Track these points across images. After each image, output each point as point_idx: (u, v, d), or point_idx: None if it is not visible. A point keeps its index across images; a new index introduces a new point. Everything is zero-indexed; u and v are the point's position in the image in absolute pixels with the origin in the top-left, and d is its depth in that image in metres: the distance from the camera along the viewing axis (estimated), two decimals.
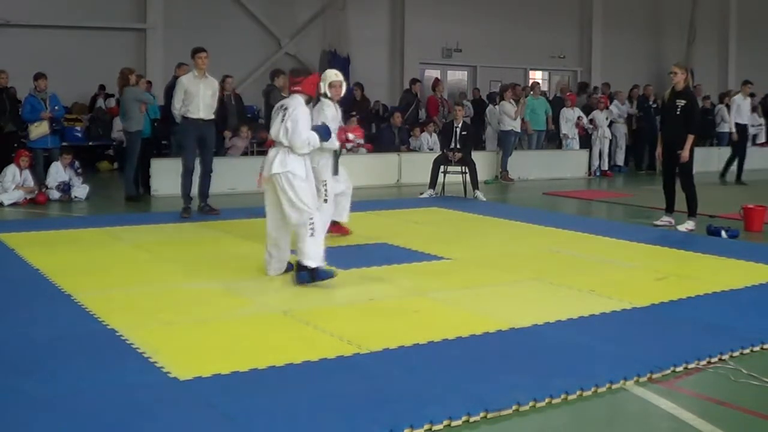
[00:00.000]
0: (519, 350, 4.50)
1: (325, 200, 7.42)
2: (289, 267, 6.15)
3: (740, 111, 14.61)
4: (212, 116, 9.46)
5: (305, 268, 5.82)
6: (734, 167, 14.84)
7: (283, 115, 5.93)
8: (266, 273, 6.23)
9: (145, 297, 5.58)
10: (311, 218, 5.85)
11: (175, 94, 9.38)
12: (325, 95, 7.46)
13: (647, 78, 20.11)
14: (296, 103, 5.97)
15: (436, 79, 18.06)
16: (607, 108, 15.93)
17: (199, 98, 9.17)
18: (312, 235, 5.82)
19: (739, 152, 14.80)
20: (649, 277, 6.46)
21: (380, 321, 5.10)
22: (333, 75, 7.64)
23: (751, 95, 19.55)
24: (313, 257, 5.83)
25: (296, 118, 5.85)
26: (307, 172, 5.99)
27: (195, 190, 9.59)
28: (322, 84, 7.41)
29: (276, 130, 5.95)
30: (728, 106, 15.31)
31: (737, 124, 14.52)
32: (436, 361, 4.24)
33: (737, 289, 5.99)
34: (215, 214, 9.42)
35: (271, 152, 6.02)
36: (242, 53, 16.85)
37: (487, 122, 15.92)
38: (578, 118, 15.60)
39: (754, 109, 19.00)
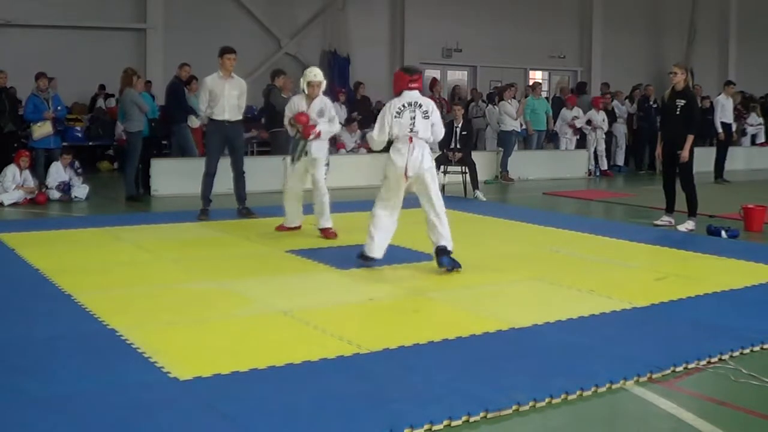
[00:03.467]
0: (519, 350, 4.50)
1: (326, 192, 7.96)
2: None
3: (724, 111, 14.65)
4: (239, 117, 9.30)
5: (449, 253, 6.22)
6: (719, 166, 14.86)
7: (424, 112, 6.30)
8: (374, 256, 6.46)
9: (145, 297, 5.59)
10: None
11: (200, 96, 9.27)
12: (303, 91, 7.98)
13: (647, 78, 20.11)
14: (431, 102, 6.45)
15: (434, 79, 18.06)
16: (606, 109, 15.89)
17: (224, 99, 9.01)
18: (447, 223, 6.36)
19: (724, 150, 14.84)
20: (649, 277, 6.46)
21: (380, 321, 5.10)
22: (312, 75, 7.99)
23: (747, 95, 19.58)
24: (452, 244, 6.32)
25: (438, 117, 6.43)
26: None
27: (209, 191, 9.38)
28: (301, 80, 8.01)
29: (424, 127, 6.30)
30: (712, 106, 15.38)
31: (722, 124, 14.54)
32: (436, 361, 4.24)
33: (737, 289, 5.99)
34: (253, 217, 9.29)
35: (414, 149, 6.24)
36: (242, 53, 16.73)
37: (487, 122, 15.93)
38: (573, 117, 15.59)
39: (753, 109, 19.04)
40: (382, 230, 6.46)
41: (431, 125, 6.33)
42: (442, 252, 6.27)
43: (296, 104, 8.00)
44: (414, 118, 6.25)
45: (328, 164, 8.09)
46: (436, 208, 6.33)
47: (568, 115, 15.61)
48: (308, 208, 8.15)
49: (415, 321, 5.08)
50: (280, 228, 8.24)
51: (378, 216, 6.47)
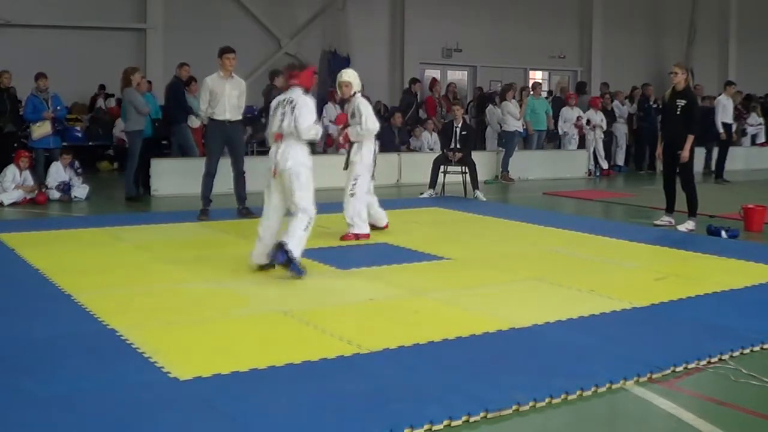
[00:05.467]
0: (519, 350, 4.50)
1: (352, 194, 7.81)
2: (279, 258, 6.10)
3: (726, 111, 14.64)
4: (239, 117, 9.31)
5: (287, 252, 5.92)
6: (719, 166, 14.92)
7: (292, 108, 6.12)
8: (251, 261, 6.35)
9: (145, 297, 5.59)
10: (312, 214, 6.09)
11: (201, 96, 9.30)
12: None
13: (647, 78, 20.09)
14: (303, 98, 6.21)
15: (434, 79, 18.07)
16: (604, 109, 15.88)
17: (224, 99, 9.02)
18: (306, 228, 6.06)
19: (725, 150, 14.88)
20: (649, 277, 6.46)
21: (380, 321, 5.09)
22: (338, 76, 8.07)
23: (747, 96, 19.58)
24: (299, 247, 6.01)
25: (302, 105, 6.12)
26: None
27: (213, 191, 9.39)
28: (336, 86, 8.10)
29: (288, 123, 6.11)
30: (713, 107, 15.37)
31: (723, 124, 14.55)
32: (436, 361, 4.24)
33: (737, 289, 5.99)
34: (252, 217, 9.29)
35: (281, 146, 6.13)
36: (242, 53, 16.70)
37: (487, 122, 15.92)
38: (577, 117, 15.60)
39: (753, 109, 19.03)
40: (259, 239, 6.28)
41: (295, 118, 6.08)
42: (279, 247, 5.94)
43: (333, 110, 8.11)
44: (284, 114, 6.15)
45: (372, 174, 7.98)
46: (296, 206, 6.06)
47: (571, 114, 15.60)
48: (337, 207, 8.12)
49: (415, 321, 5.08)
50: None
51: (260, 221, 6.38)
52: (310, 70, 6.53)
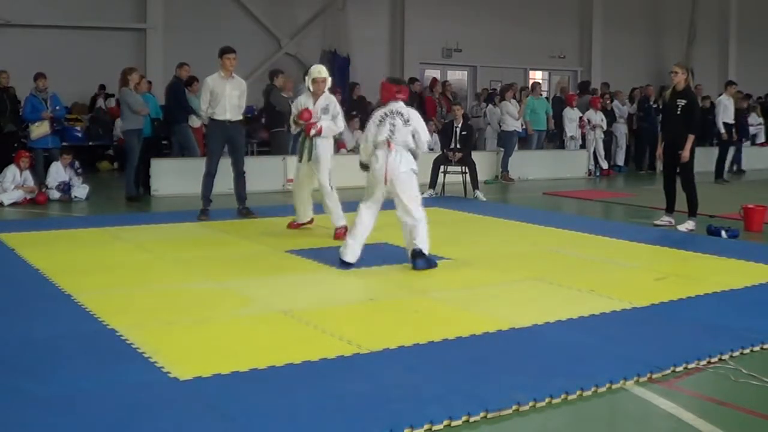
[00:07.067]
0: (519, 350, 4.50)
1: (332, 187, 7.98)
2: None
3: (726, 111, 14.64)
4: (240, 117, 9.34)
5: (424, 255, 6.42)
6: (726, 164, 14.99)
7: (405, 121, 6.52)
8: (346, 258, 6.51)
9: (145, 297, 5.59)
10: (425, 213, 6.54)
11: (201, 96, 9.33)
12: (308, 89, 8.10)
13: (647, 78, 20.11)
14: (413, 111, 6.70)
15: (434, 79, 18.05)
16: (604, 109, 15.88)
17: (225, 99, 9.03)
18: (426, 228, 6.49)
19: (725, 150, 14.86)
20: (649, 277, 6.45)
21: (380, 321, 5.10)
22: (316, 72, 8.11)
23: (747, 96, 19.58)
24: (427, 247, 6.50)
25: (417, 119, 6.64)
26: None
27: (214, 191, 9.40)
28: (306, 78, 8.13)
29: (404, 134, 6.48)
30: (713, 106, 15.36)
31: (725, 124, 14.54)
32: (436, 361, 4.24)
33: (737, 289, 5.99)
34: (252, 217, 9.32)
35: (392, 154, 6.45)
36: (242, 53, 16.66)
37: (487, 122, 15.92)
38: (580, 118, 15.61)
39: (753, 109, 19.03)
40: (358, 236, 6.58)
41: (412, 133, 6.53)
42: (419, 255, 6.43)
43: (302, 102, 8.13)
44: (394, 125, 6.50)
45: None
46: (412, 212, 6.47)
47: (575, 115, 15.59)
48: (319, 208, 8.17)
49: (415, 321, 5.08)
50: (292, 225, 8.38)
51: (358, 217, 6.64)
52: (408, 86, 6.93)
